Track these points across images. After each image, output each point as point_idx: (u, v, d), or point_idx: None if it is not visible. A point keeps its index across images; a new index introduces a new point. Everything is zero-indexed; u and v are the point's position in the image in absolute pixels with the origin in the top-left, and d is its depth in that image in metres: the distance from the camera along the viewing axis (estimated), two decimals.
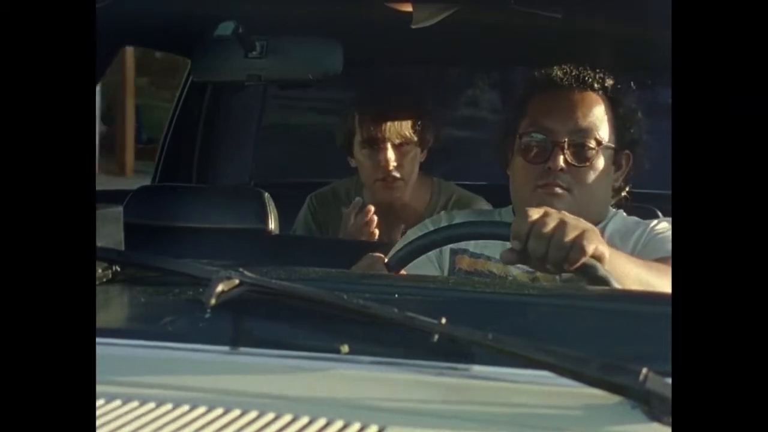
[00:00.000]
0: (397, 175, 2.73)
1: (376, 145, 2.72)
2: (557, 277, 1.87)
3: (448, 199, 2.83)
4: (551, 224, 1.56)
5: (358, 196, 2.86)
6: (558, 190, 1.93)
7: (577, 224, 1.57)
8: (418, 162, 2.79)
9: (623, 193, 2.09)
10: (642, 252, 1.87)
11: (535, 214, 1.58)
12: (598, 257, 1.56)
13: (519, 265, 1.90)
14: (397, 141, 2.71)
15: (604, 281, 1.55)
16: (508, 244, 1.61)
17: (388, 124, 2.71)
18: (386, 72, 3.43)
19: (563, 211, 1.61)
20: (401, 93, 2.88)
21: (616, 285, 1.55)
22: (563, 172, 1.93)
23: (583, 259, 1.55)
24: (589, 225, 1.59)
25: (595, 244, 1.56)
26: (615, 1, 2.15)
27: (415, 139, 2.73)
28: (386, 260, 1.75)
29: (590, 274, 1.57)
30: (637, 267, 1.67)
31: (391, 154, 2.71)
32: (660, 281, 1.64)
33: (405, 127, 2.72)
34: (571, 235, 1.55)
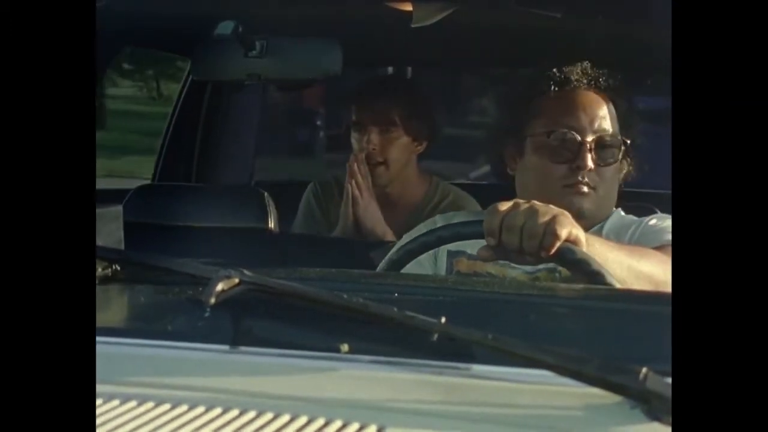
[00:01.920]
0: (380, 159, 2.76)
1: (362, 127, 2.78)
2: (556, 274, 1.87)
3: (442, 199, 2.84)
4: (521, 215, 1.55)
5: None
6: (585, 189, 1.94)
7: (546, 210, 1.56)
8: (409, 152, 2.81)
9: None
10: (635, 244, 1.87)
11: (504, 207, 1.57)
12: (573, 241, 1.56)
13: (517, 266, 1.91)
14: (381, 125, 2.76)
15: (584, 264, 1.54)
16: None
17: (374, 108, 2.77)
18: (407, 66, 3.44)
19: (533, 201, 1.60)
20: (393, 81, 3.01)
21: (598, 268, 1.54)
22: (590, 171, 1.94)
23: (558, 244, 1.54)
24: (559, 210, 1.58)
25: (568, 228, 1.55)
26: (615, 1, 2.15)
27: (402, 126, 2.77)
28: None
29: (569, 259, 1.56)
30: (620, 251, 1.66)
31: (374, 137, 2.76)
32: (644, 265, 1.63)
33: (390, 113, 2.76)
34: (541, 222, 1.54)
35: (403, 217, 2.71)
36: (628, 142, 1.99)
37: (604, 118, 1.98)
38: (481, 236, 1.61)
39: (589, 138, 1.95)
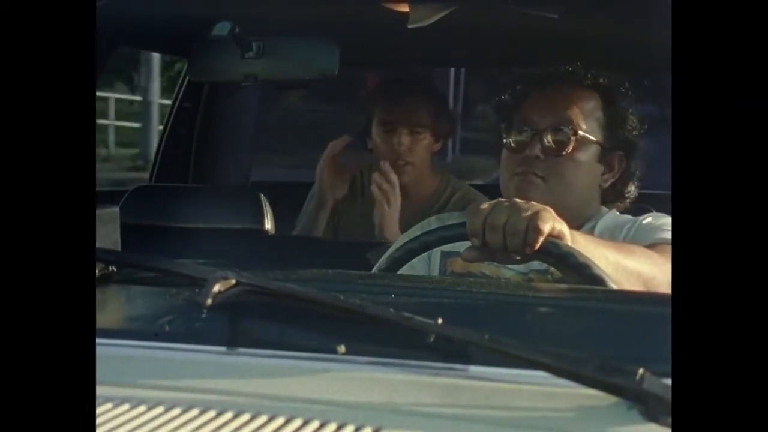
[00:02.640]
0: (408, 159, 2.81)
1: (391, 128, 2.81)
2: (548, 276, 1.87)
3: (452, 195, 2.87)
4: (503, 213, 1.55)
5: (369, 187, 2.89)
6: (533, 178, 1.94)
7: (528, 207, 1.56)
8: (430, 151, 2.87)
9: (626, 201, 2.08)
10: (629, 242, 1.87)
11: (486, 206, 1.57)
12: (557, 236, 1.56)
13: (511, 267, 1.91)
14: (412, 127, 2.80)
15: (570, 258, 1.53)
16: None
17: (406, 109, 2.81)
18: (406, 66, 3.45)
19: (515, 199, 1.60)
20: (421, 81, 3.02)
21: (584, 260, 1.53)
22: (539, 160, 1.94)
23: (541, 240, 1.54)
24: (541, 206, 1.58)
25: (551, 223, 1.55)
26: (613, 1, 2.15)
27: (430, 127, 2.82)
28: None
29: (554, 254, 1.55)
30: (605, 247, 1.65)
31: (405, 138, 2.80)
32: (630, 261, 1.63)
33: (421, 115, 2.82)
34: (523, 219, 1.54)
35: (414, 210, 2.73)
36: (590, 136, 1.97)
37: (570, 111, 1.98)
38: (465, 238, 1.61)
39: (543, 129, 1.95)
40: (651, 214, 2.03)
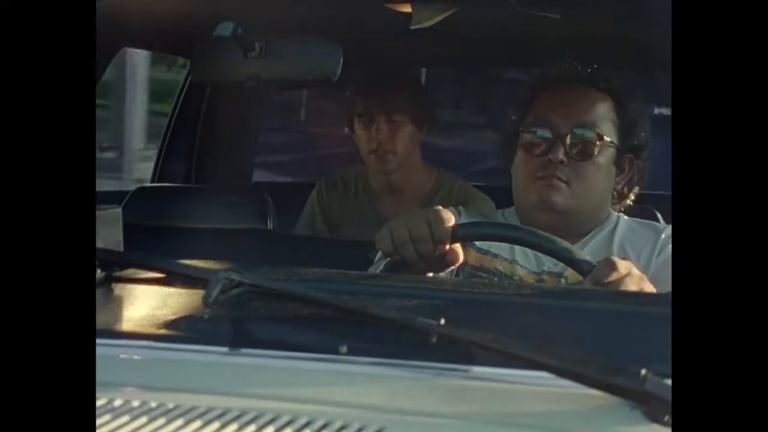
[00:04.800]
0: (389, 148, 2.79)
1: (370, 116, 2.80)
2: (562, 280, 1.87)
3: (449, 190, 2.85)
4: (629, 289, 1.57)
5: (366, 186, 2.92)
6: (557, 182, 1.93)
7: (634, 276, 1.59)
8: (415, 140, 2.85)
9: (629, 201, 2.08)
10: (661, 268, 1.86)
11: (623, 269, 1.58)
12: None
13: (525, 264, 1.91)
14: (389, 114, 2.79)
15: None
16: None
17: (382, 96, 2.80)
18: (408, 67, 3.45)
19: (645, 278, 1.62)
20: (396, 69, 3.01)
21: None
22: (563, 165, 1.93)
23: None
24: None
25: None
26: (614, 2, 2.15)
27: (408, 114, 2.80)
28: (456, 224, 1.72)
29: None
30: None
31: (383, 125, 2.78)
32: None
33: (397, 102, 2.79)
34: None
35: (412, 207, 2.72)
36: (610, 140, 1.98)
37: (590, 115, 1.98)
38: (581, 273, 1.64)
39: (565, 132, 1.95)
40: (669, 226, 2.02)
